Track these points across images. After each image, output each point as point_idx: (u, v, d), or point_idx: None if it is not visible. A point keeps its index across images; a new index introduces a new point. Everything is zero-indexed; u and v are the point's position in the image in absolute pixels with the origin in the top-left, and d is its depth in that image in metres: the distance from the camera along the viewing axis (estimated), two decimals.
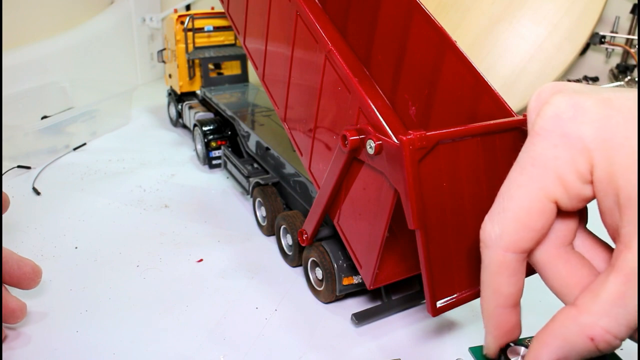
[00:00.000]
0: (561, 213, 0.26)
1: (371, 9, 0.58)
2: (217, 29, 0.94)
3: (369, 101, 0.40)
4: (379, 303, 0.50)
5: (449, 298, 0.39)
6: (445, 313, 0.50)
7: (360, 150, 0.40)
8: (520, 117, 0.41)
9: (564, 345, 0.24)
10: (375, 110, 0.39)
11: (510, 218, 0.25)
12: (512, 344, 0.31)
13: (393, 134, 0.37)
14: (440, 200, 0.37)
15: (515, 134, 0.41)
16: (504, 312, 0.27)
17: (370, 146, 0.38)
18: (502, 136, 0.40)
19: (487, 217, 0.26)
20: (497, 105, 0.44)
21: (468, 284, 0.40)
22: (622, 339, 0.23)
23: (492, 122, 0.40)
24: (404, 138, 0.35)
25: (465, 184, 0.39)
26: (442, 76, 0.50)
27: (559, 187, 0.24)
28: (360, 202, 0.42)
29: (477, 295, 0.40)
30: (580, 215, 0.27)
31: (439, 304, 0.38)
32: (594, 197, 0.24)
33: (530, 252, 0.27)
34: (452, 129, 0.37)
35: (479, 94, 0.46)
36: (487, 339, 0.29)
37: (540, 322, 0.31)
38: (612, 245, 0.27)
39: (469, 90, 0.47)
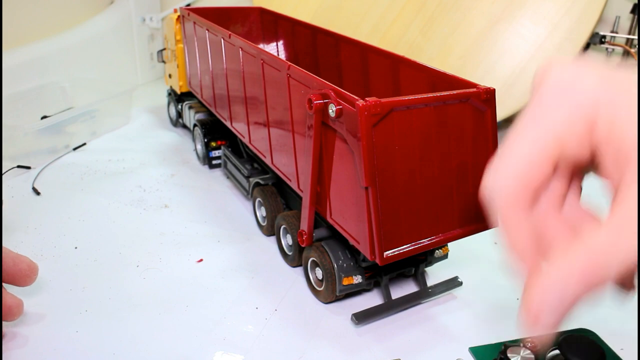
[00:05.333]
0: (555, 176, 0.26)
1: (334, 57, 0.70)
2: None
3: (328, 83, 0.44)
4: (379, 303, 0.50)
5: (395, 250, 0.42)
6: (445, 314, 0.50)
7: (325, 113, 0.43)
8: (473, 89, 0.44)
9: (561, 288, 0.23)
10: (334, 86, 0.43)
11: (510, 170, 0.25)
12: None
13: (351, 101, 0.40)
14: (392, 162, 0.41)
15: (466, 104, 0.44)
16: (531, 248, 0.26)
17: (332, 109, 0.42)
18: (454, 106, 0.44)
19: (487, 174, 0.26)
20: (453, 86, 0.47)
21: (413, 238, 0.43)
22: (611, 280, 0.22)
23: (443, 93, 0.43)
24: (360, 104, 0.38)
25: (417, 148, 0.42)
26: (402, 84, 0.57)
27: (558, 147, 0.25)
28: (340, 175, 0.44)
29: (421, 249, 0.43)
30: (574, 184, 0.28)
31: (387, 254, 0.42)
32: (589, 161, 0.25)
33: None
34: (405, 98, 0.41)
35: (434, 83, 0.52)
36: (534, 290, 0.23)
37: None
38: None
39: (426, 84, 0.53)
